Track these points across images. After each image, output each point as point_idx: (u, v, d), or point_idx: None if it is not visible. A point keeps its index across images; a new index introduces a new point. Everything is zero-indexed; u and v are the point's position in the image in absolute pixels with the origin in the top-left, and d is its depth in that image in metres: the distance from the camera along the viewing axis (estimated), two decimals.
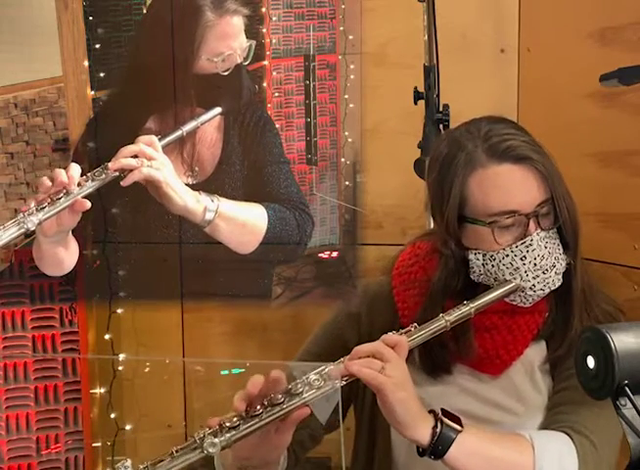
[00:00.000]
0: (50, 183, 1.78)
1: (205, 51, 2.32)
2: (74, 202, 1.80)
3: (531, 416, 1.65)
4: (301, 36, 2.54)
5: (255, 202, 2.39)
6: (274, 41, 2.53)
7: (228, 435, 1.39)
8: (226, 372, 2.48)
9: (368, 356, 1.46)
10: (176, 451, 1.38)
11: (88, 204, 1.82)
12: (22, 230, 1.71)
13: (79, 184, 1.82)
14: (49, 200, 1.77)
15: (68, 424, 2.59)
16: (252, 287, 2.64)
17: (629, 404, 1.13)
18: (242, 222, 2.28)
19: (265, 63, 2.53)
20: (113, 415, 2.63)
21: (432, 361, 1.67)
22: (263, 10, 2.51)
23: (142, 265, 2.59)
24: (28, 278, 2.51)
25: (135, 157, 1.94)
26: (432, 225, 2.16)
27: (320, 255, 2.61)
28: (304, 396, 1.42)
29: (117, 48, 2.50)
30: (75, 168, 1.81)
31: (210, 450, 1.38)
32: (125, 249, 2.57)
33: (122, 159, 1.91)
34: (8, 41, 2.47)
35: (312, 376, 1.45)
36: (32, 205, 1.75)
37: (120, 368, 2.64)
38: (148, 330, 2.67)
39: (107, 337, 2.61)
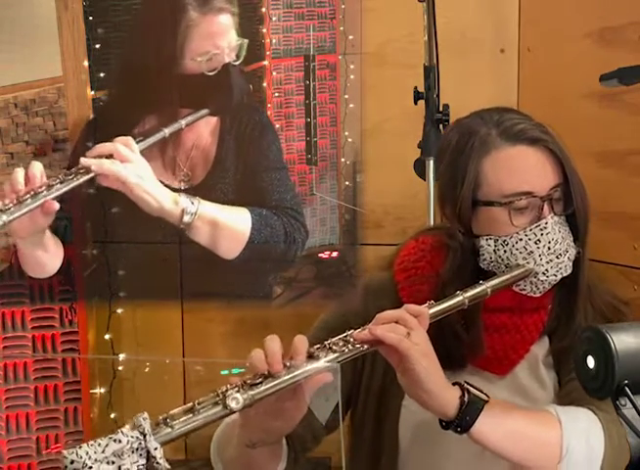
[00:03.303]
0: (8, 186, 1.77)
1: (189, 51, 2.30)
2: (44, 203, 1.78)
3: None
4: (301, 36, 2.54)
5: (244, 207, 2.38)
6: (274, 41, 2.53)
7: (251, 392, 1.34)
8: (226, 372, 2.48)
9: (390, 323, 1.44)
10: (198, 404, 1.32)
11: (56, 205, 1.80)
12: None
13: (49, 186, 1.80)
14: (15, 201, 1.75)
15: (68, 424, 2.59)
16: (253, 287, 2.64)
17: (629, 404, 1.13)
18: (222, 225, 2.26)
19: (265, 63, 2.53)
20: (112, 415, 2.63)
21: (447, 354, 1.65)
22: (263, 10, 2.51)
23: (142, 265, 2.59)
24: (28, 278, 2.51)
25: (110, 157, 1.94)
26: (432, 225, 2.17)
27: (320, 255, 2.61)
28: (327, 359, 1.39)
29: (117, 48, 2.50)
30: (37, 166, 1.80)
31: (233, 406, 1.32)
32: (125, 249, 2.57)
33: (89, 158, 1.91)
34: (8, 41, 2.47)
35: (335, 340, 1.42)
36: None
37: (120, 368, 2.64)
38: (148, 330, 2.67)
39: (107, 337, 2.61)
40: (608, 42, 2.25)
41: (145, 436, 1.26)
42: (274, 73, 2.54)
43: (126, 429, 1.27)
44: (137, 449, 1.26)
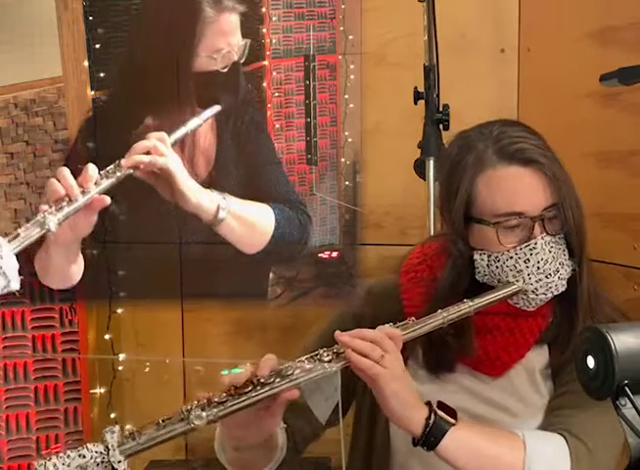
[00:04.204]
0: (61, 187, 1.71)
1: (204, 48, 2.31)
2: (92, 200, 1.74)
3: (532, 417, 1.65)
4: (301, 36, 2.55)
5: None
6: (274, 41, 2.53)
7: (215, 409, 1.40)
8: (226, 372, 2.48)
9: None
10: (162, 421, 1.39)
11: (108, 199, 1.76)
12: (44, 230, 1.65)
13: (95, 183, 1.78)
14: (67, 199, 1.71)
15: (68, 424, 2.59)
16: (252, 287, 2.64)
17: (629, 404, 1.13)
18: (252, 222, 2.26)
19: (265, 63, 2.53)
20: (113, 415, 2.63)
21: (435, 359, 1.67)
22: (263, 10, 2.51)
23: (142, 265, 2.58)
24: (28, 278, 2.50)
25: (148, 153, 1.92)
26: (432, 225, 2.17)
27: (320, 255, 2.61)
28: (294, 377, 1.44)
29: (117, 48, 2.50)
30: (93, 168, 1.76)
31: (196, 423, 1.38)
32: (125, 249, 2.57)
33: (135, 155, 1.89)
34: (8, 41, 2.47)
35: (305, 359, 1.46)
36: (49, 205, 1.68)
37: (120, 368, 2.64)
38: (148, 330, 2.67)
39: (107, 337, 2.61)
40: (608, 42, 2.25)
41: (109, 451, 1.34)
42: (274, 73, 2.54)
43: (92, 444, 1.35)
44: (101, 463, 1.34)
